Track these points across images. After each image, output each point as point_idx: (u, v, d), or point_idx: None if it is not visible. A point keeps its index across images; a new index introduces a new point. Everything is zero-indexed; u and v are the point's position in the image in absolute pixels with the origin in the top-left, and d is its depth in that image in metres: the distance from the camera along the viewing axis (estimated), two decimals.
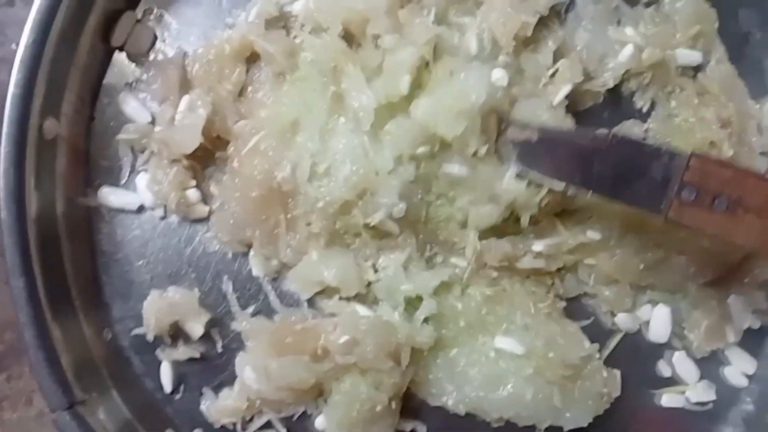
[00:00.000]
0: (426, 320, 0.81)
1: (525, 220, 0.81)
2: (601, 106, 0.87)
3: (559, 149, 0.76)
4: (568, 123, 0.81)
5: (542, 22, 0.84)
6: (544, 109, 0.81)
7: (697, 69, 0.88)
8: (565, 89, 0.83)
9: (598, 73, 0.87)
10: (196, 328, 0.81)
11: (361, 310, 0.81)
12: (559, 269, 0.84)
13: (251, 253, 0.83)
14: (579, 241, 0.82)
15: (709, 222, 0.69)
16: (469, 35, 0.83)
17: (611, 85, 0.86)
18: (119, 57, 0.85)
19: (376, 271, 0.83)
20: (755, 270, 0.86)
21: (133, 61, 0.85)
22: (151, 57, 0.85)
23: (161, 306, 0.80)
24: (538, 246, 0.82)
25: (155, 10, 0.86)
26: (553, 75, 0.84)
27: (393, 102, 0.78)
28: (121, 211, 0.84)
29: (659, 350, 0.86)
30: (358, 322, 0.77)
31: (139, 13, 0.86)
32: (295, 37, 0.83)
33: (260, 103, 0.83)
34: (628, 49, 0.86)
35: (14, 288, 0.74)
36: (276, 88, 0.83)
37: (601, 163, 0.72)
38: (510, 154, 0.79)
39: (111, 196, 0.84)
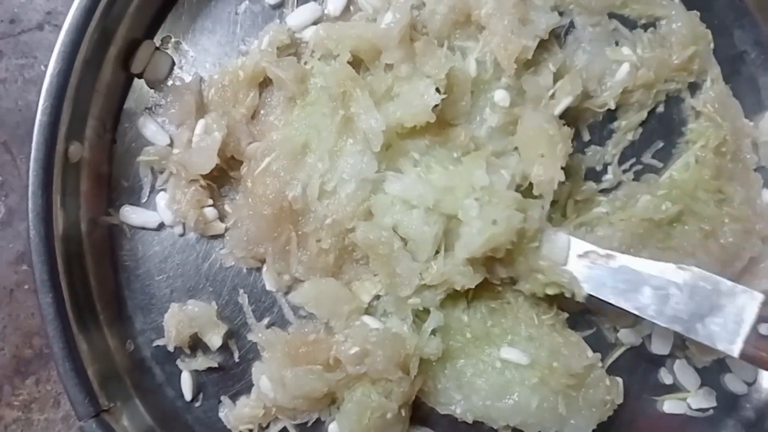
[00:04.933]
0: (434, 332, 0.83)
1: None
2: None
3: (635, 279, 0.76)
4: (567, 132, 0.83)
5: (542, 45, 0.87)
6: (546, 120, 0.82)
7: (693, 89, 0.90)
8: (566, 101, 0.85)
9: (598, 92, 0.89)
10: (214, 339, 0.84)
11: (371, 322, 0.83)
12: None
13: (264, 268, 0.86)
14: None
15: None
16: (469, 58, 0.86)
17: (612, 106, 0.88)
18: (138, 83, 0.89)
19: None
20: (755, 280, 0.87)
21: (151, 87, 0.89)
22: (169, 83, 0.88)
23: (181, 318, 0.83)
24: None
25: (172, 39, 0.89)
26: (552, 96, 0.86)
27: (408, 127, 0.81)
28: (142, 228, 0.87)
29: (661, 359, 0.87)
30: (368, 334, 0.80)
31: (157, 41, 0.89)
32: (305, 63, 0.86)
33: (272, 126, 0.86)
34: (625, 68, 0.88)
35: (43, 303, 0.77)
36: (287, 112, 0.86)
37: (677, 298, 0.73)
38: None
39: (132, 214, 0.87)
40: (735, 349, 0.71)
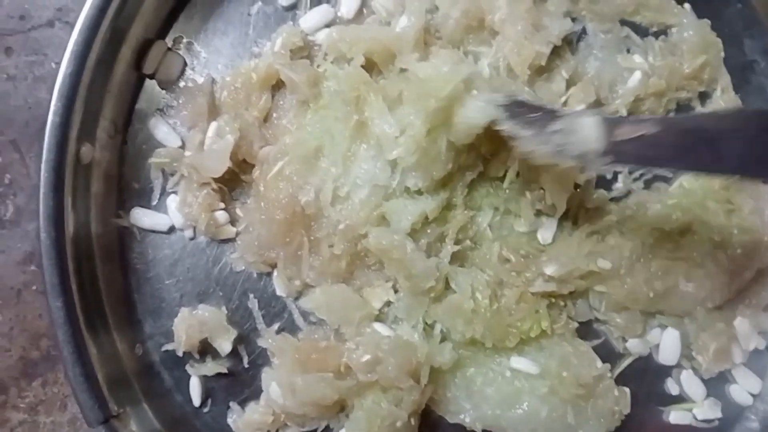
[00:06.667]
0: (443, 339, 0.83)
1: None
2: None
3: (682, 137, 0.69)
4: None
5: (555, 52, 0.87)
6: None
7: (703, 98, 0.90)
8: (579, 108, 0.85)
9: (609, 99, 0.89)
10: (224, 344, 0.83)
11: (381, 329, 0.83)
12: (570, 293, 0.86)
13: (275, 273, 0.85)
14: (590, 268, 0.84)
15: None
16: (482, 63, 0.86)
17: (624, 113, 0.88)
18: (150, 84, 0.88)
19: (396, 291, 0.84)
20: (762, 292, 0.87)
21: (163, 88, 0.88)
22: (181, 84, 0.87)
23: (191, 323, 0.82)
24: (550, 269, 0.84)
25: (184, 40, 0.89)
26: (565, 103, 0.86)
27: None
28: (152, 231, 0.87)
29: (668, 369, 0.87)
30: (380, 341, 0.79)
31: (169, 41, 0.88)
32: (318, 66, 0.86)
33: (285, 130, 0.85)
34: (637, 76, 0.88)
35: (53, 307, 0.76)
36: (300, 116, 0.85)
37: (735, 142, 0.66)
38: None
39: (143, 217, 0.86)
40: None
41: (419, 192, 0.83)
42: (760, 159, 0.67)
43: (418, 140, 0.78)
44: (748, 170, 0.68)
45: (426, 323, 0.84)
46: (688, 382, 0.87)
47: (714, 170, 0.70)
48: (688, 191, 0.88)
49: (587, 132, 0.72)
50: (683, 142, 0.69)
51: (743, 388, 0.88)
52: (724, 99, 0.91)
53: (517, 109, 0.76)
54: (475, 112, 0.77)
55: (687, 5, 0.91)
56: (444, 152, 0.80)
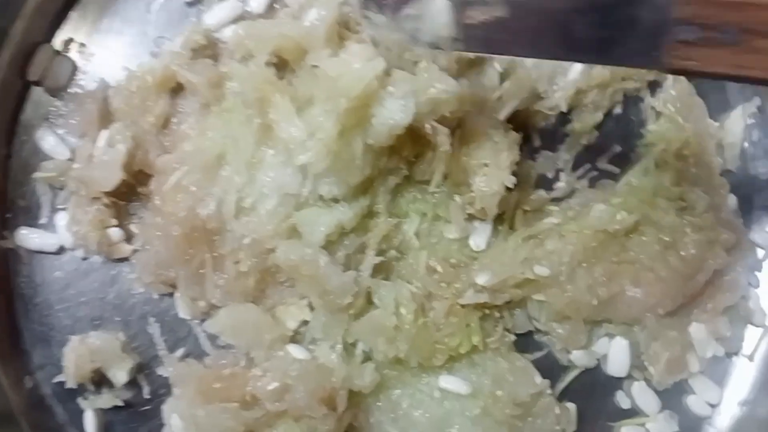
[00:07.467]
0: (367, 359, 0.78)
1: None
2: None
3: (532, 20, 0.66)
4: (514, 138, 0.78)
5: None
6: (491, 125, 0.78)
7: (654, 87, 0.86)
8: (512, 104, 0.81)
9: (549, 93, 0.85)
10: (119, 374, 0.78)
11: (296, 351, 0.77)
12: (507, 302, 0.81)
13: (177, 294, 0.80)
14: (526, 276, 0.79)
15: (718, 62, 0.58)
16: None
17: (564, 108, 0.84)
18: (37, 91, 0.82)
19: (312, 309, 0.79)
20: (718, 296, 0.84)
21: (52, 96, 0.82)
22: (71, 90, 0.82)
23: (81, 352, 0.76)
24: (481, 278, 0.78)
25: (75, 41, 0.83)
26: (499, 98, 0.81)
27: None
28: (41, 252, 0.81)
29: (618, 382, 0.83)
30: (288, 367, 0.74)
31: (57, 44, 0.83)
32: (223, 65, 0.80)
33: (185, 136, 0.80)
34: (578, 67, 0.84)
35: None
36: (202, 120, 0.80)
37: (584, 24, 0.62)
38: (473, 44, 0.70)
39: (30, 237, 0.81)
40: (661, 63, 0.61)
41: (335, 200, 0.77)
42: (605, 42, 0.63)
43: (328, 144, 0.72)
44: (602, 56, 0.65)
45: (347, 342, 0.78)
46: (641, 395, 0.83)
47: (567, 57, 0.68)
48: (636, 188, 0.84)
49: (438, 17, 0.69)
50: (535, 25, 0.65)
51: (701, 398, 0.85)
52: (676, 88, 0.87)
53: None
54: (395, 112, 0.72)
55: None
56: (360, 156, 0.74)
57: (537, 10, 0.65)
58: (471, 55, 0.79)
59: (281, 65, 0.79)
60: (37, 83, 0.82)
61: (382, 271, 0.79)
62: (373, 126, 0.73)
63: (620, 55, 0.62)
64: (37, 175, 0.81)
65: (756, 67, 0.57)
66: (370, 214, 0.79)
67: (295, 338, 0.79)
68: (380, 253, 0.79)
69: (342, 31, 0.80)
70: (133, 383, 0.79)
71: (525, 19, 0.65)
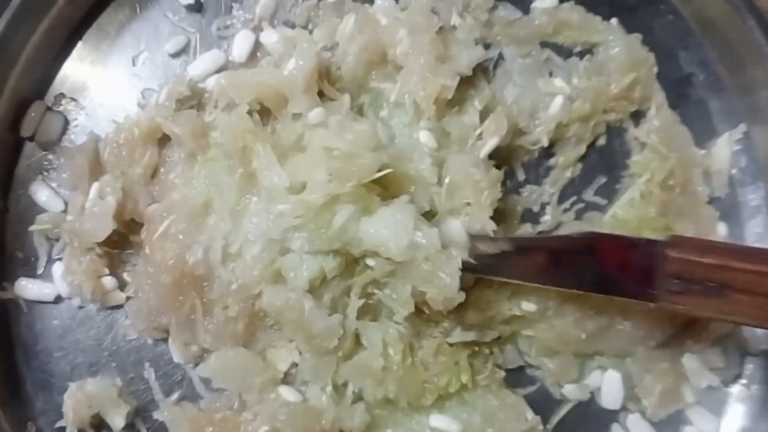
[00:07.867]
0: (357, 399, 0.78)
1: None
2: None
3: (537, 256, 0.74)
4: (496, 176, 0.78)
5: (469, 81, 0.82)
6: (472, 164, 0.78)
7: (637, 118, 0.86)
8: (492, 142, 0.80)
9: (530, 128, 0.84)
10: (116, 419, 0.79)
11: (287, 393, 0.78)
12: (497, 338, 0.81)
13: (170, 340, 0.81)
14: (513, 313, 0.79)
15: (703, 307, 0.66)
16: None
17: (546, 143, 0.84)
18: (30, 146, 0.84)
19: (301, 353, 0.79)
20: (710, 326, 0.82)
21: (44, 150, 0.84)
22: (63, 144, 0.84)
23: (80, 399, 0.78)
24: (468, 316, 0.79)
25: (66, 96, 0.85)
26: (479, 136, 0.81)
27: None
28: (39, 302, 0.83)
29: (612, 414, 0.83)
30: (277, 410, 0.75)
31: (49, 100, 0.85)
32: (209, 114, 0.82)
33: (172, 185, 0.81)
34: (558, 101, 0.84)
35: None
36: (188, 170, 0.81)
37: (583, 263, 0.71)
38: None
39: (28, 287, 0.83)
40: (654, 300, 0.69)
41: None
42: (602, 278, 0.71)
43: (310, 207, 0.73)
44: (601, 289, 0.72)
45: (338, 383, 0.78)
46: (637, 427, 0.82)
47: (574, 288, 0.73)
48: (622, 221, 0.84)
49: (456, 237, 0.76)
50: (540, 260, 0.74)
51: (698, 428, 0.83)
52: (659, 117, 0.86)
53: None
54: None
55: (614, 20, 0.86)
56: (336, 231, 0.74)
57: (540, 249, 0.75)
58: (450, 94, 0.79)
59: (265, 112, 0.80)
60: (30, 138, 0.83)
61: (369, 312, 0.79)
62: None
63: (617, 290, 0.71)
64: (33, 227, 0.83)
65: (737, 313, 0.66)
66: (355, 260, 0.78)
67: (286, 380, 0.79)
68: (367, 295, 0.78)
69: (328, 75, 0.81)
70: (131, 427, 0.81)
71: (528, 254, 0.75)
